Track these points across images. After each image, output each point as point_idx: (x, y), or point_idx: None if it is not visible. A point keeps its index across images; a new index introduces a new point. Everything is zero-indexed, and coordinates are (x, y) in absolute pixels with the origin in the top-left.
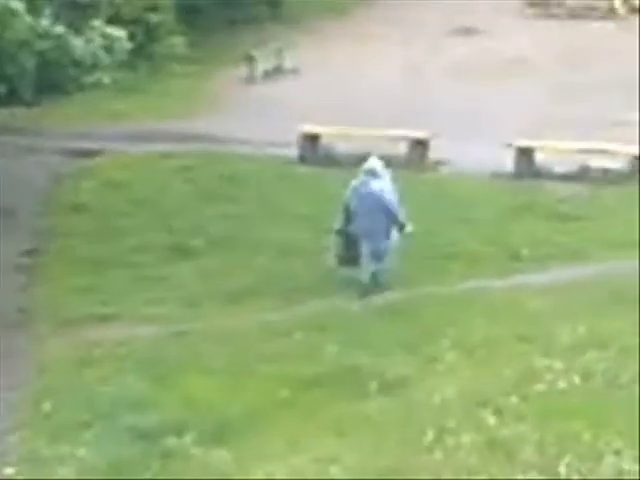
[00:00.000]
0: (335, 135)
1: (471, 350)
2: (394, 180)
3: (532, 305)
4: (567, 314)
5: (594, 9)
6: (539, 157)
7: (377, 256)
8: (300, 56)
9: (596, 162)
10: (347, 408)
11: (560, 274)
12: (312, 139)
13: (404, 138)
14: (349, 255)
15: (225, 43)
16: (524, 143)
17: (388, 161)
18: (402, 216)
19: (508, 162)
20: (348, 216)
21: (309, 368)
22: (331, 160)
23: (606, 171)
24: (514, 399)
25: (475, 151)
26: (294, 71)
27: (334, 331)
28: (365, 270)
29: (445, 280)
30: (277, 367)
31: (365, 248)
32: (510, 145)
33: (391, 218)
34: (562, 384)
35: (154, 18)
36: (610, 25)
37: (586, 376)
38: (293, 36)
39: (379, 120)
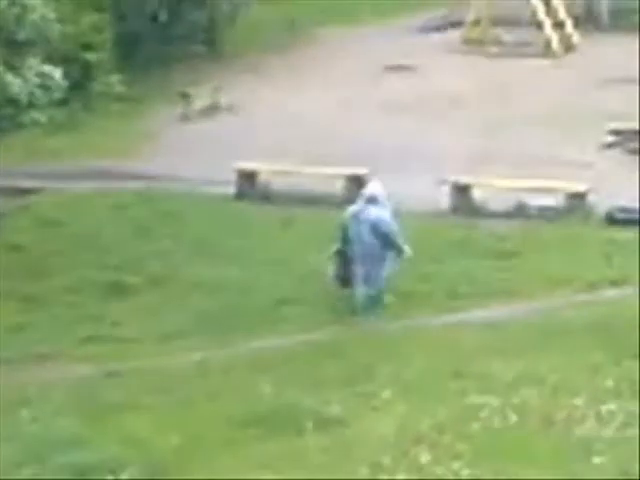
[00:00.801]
0: (272, 172)
1: (407, 387)
2: (335, 217)
3: (468, 342)
4: (503, 351)
5: (530, 46)
6: (476, 194)
7: (365, 279)
8: (236, 94)
9: (532, 199)
10: (283, 446)
11: (497, 311)
12: (249, 176)
13: (341, 175)
14: (346, 276)
15: (162, 81)
16: (460, 180)
17: (325, 198)
18: (401, 242)
19: (444, 199)
20: (346, 238)
21: (245, 406)
22: (268, 197)
23: (542, 208)
24: (449, 437)
25: (411, 188)
26: (230, 109)
27: (270, 369)
28: (358, 292)
29: (384, 317)
30: (214, 405)
31: (359, 272)
32: (446, 182)
33: (389, 245)
34: (498, 421)
35: (90, 56)
36: (546, 62)
37: (522, 413)
38: (230, 74)
39: (316, 157)
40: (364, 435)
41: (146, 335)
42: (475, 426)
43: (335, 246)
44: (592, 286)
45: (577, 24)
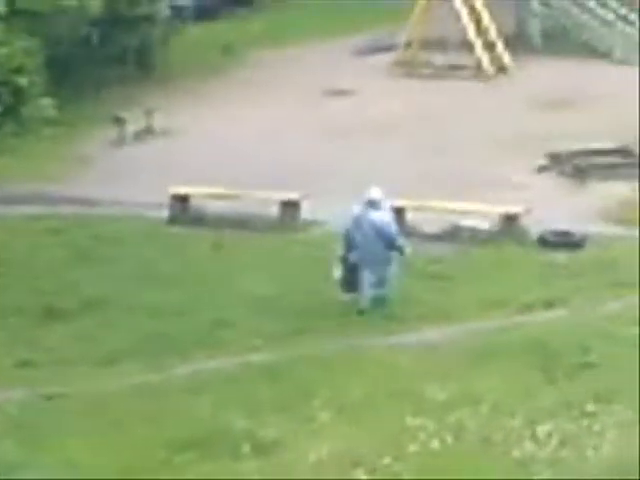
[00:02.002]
0: (205, 196)
1: (345, 410)
2: (269, 240)
3: (405, 364)
4: (439, 373)
5: (462, 68)
6: (409, 216)
7: (376, 283)
8: (171, 117)
9: (466, 221)
10: (220, 469)
11: (432, 333)
12: (182, 200)
13: (275, 199)
14: (350, 281)
15: (95, 104)
16: (396, 203)
17: (260, 222)
18: (401, 242)
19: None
20: (349, 244)
21: (183, 429)
22: (201, 221)
23: (476, 231)
24: (388, 459)
25: (346, 211)
26: (165, 132)
27: (209, 392)
28: (364, 296)
29: (319, 341)
30: (152, 428)
31: (364, 275)
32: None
33: (390, 246)
34: (435, 443)
35: (22, 80)
36: (479, 84)
37: (459, 435)
38: (164, 97)
39: (251, 181)
40: (303, 458)
41: (83, 359)
42: (413, 448)
43: (339, 252)
44: (526, 308)
45: (508, 47)
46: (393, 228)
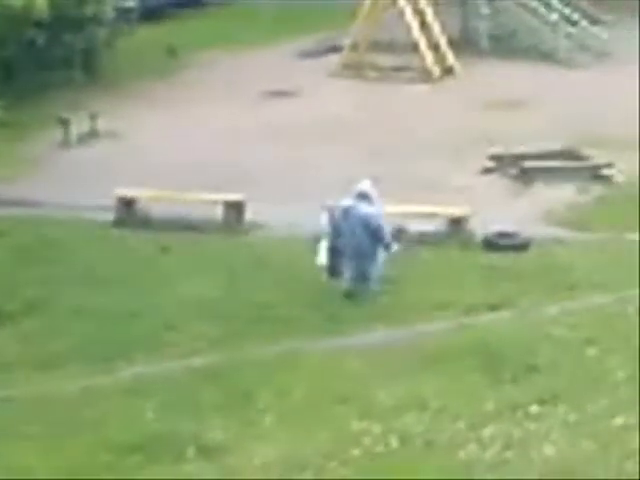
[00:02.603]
0: (151, 198)
1: (289, 413)
2: (214, 243)
3: (351, 367)
4: (386, 376)
5: (409, 71)
6: None
7: (361, 275)
8: (117, 120)
9: (412, 224)
10: (166, 472)
11: (379, 336)
12: (128, 203)
13: (220, 201)
14: (337, 268)
15: (40, 106)
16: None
17: (205, 225)
18: (388, 237)
19: (325, 224)
20: (337, 233)
21: (127, 433)
22: (147, 223)
23: (421, 233)
24: (333, 463)
25: (292, 213)
26: (110, 135)
27: (153, 395)
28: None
29: (264, 343)
30: (97, 432)
31: (349, 266)
32: (328, 207)
33: (377, 239)
34: (381, 446)
35: None
36: (426, 87)
37: (404, 438)
38: (110, 99)
39: (197, 183)
40: (247, 462)
41: (26, 362)
42: (359, 451)
43: (326, 240)
44: (471, 310)
45: (455, 49)
46: (382, 221)
